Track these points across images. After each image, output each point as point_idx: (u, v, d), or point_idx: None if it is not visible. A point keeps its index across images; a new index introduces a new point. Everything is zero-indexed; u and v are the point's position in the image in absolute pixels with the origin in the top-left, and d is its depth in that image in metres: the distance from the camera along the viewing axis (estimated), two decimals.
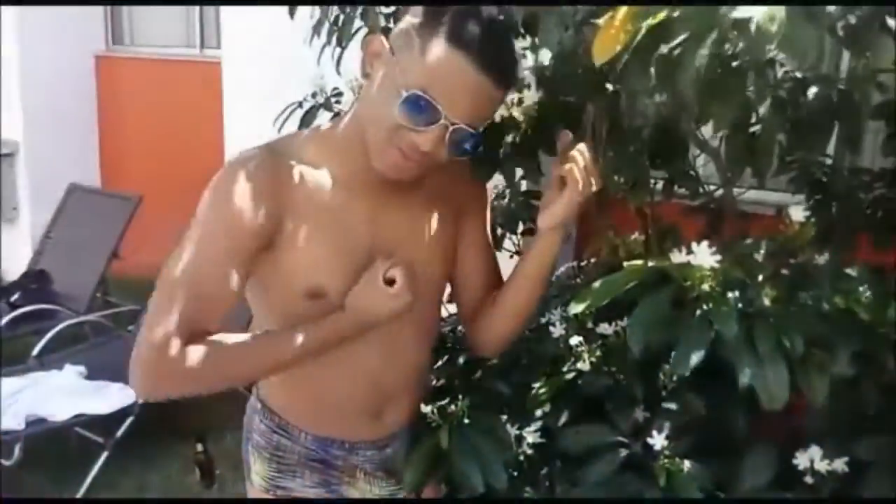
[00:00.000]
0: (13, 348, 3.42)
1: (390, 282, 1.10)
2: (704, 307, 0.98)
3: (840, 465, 1.22)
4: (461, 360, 1.50)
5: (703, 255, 0.98)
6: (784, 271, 1.09)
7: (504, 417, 1.32)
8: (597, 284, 1.07)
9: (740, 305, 1.01)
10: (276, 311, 1.16)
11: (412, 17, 1.03)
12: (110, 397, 2.95)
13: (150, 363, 1.03)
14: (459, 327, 1.54)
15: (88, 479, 2.80)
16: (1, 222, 4.87)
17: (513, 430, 1.30)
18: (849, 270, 1.10)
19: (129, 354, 1.05)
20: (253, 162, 1.08)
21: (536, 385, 1.32)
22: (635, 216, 1.66)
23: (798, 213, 1.13)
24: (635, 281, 1.04)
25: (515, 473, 1.30)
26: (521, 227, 1.91)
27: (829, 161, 1.57)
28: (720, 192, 1.54)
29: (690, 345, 0.96)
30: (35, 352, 3.29)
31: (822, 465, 1.22)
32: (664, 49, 0.85)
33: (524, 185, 1.78)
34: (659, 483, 1.17)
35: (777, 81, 1.13)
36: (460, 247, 1.27)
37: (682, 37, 0.80)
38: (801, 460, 1.24)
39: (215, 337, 1.06)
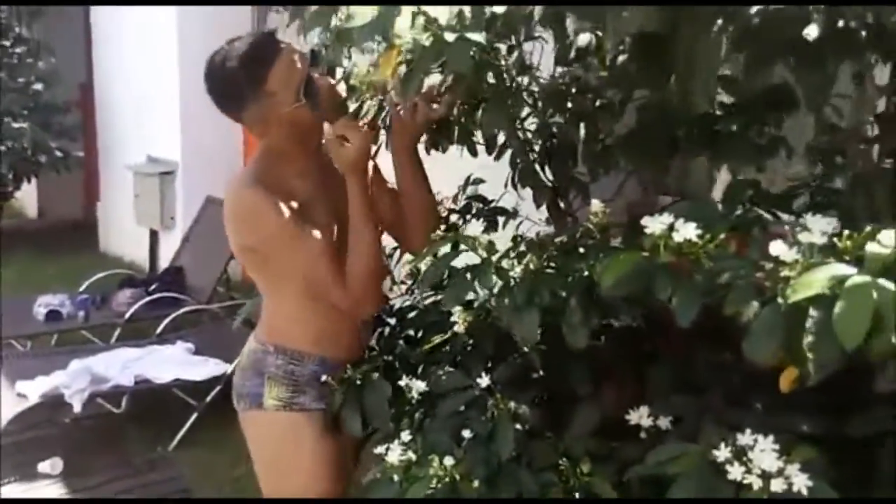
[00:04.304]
0: (144, 327, 4.15)
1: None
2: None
3: (665, 423, 1.46)
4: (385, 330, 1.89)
5: (472, 229, 1.30)
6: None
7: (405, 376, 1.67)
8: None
9: (515, 271, 1.32)
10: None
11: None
12: (206, 368, 3.54)
13: (342, 305, 1.63)
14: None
15: (180, 434, 3.38)
16: (160, 229, 5.76)
17: (407, 382, 1.65)
18: None
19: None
20: (251, 187, 1.61)
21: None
22: None
23: (597, 205, 1.41)
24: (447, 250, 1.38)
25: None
26: None
27: None
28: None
29: (456, 291, 1.29)
30: (158, 330, 3.99)
31: (646, 422, 1.46)
32: None
33: None
34: (487, 416, 1.48)
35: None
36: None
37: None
38: (633, 417, 1.49)
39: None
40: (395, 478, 1.43)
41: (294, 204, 1.60)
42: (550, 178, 1.79)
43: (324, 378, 1.68)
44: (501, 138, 1.74)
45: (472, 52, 1.07)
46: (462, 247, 1.33)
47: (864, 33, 1.08)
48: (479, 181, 2.03)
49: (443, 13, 1.04)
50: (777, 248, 0.93)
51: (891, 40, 1.02)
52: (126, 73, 6.28)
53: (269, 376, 1.69)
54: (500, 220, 2.10)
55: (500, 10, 1.08)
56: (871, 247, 0.83)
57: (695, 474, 1.18)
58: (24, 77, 6.93)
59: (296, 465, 1.67)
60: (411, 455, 1.45)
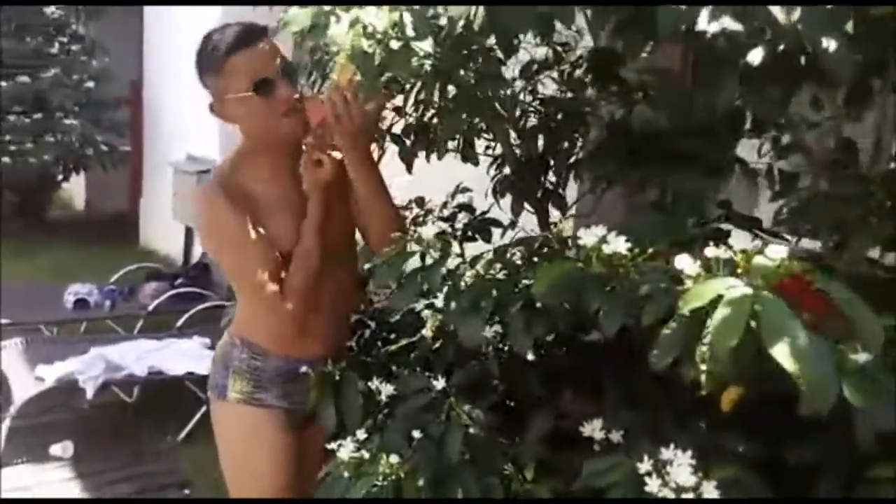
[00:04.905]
0: (167, 320, 4.26)
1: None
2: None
3: (617, 436, 1.47)
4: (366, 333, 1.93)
5: (427, 231, 1.33)
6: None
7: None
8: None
9: (467, 276, 1.35)
10: None
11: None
12: None
13: (278, 312, 1.66)
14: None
15: (189, 426, 3.46)
16: (195, 226, 5.91)
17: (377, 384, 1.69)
18: None
19: None
20: (213, 191, 1.67)
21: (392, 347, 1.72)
22: None
23: (557, 216, 1.43)
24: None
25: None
26: None
27: None
28: None
29: (405, 292, 1.32)
30: (178, 324, 4.10)
31: (599, 435, 1.47)
32: None
33: None
34: (441, 418, 1.51)
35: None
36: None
37: None
38: (587, 429, 1.50)
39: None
40: (346, 474, 1.46)
41: (254, 209, 1.65)
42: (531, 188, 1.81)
43: (304, 369, 1.71)
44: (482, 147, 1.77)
45: (417, 61, 1.11)
46: (413, 248, 1.36)
47: (802, 60, 1.09)
48: (466, 190, 2.05)
49: (381, 21, 1.08)
50: (682, 261, 0.95)
51: (824, 67, 1.02)
52: (172, 72, 6.46)
53: (233, 370, 1.75)
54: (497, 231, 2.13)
55: (444, 21, 1.11)
56: (757, 260, 0.84)
57: (624, 485, 1.20)
58: (78, 75, 7.18)
59: (254, 458, 1.72)
60: (364, 453, 1.48)
